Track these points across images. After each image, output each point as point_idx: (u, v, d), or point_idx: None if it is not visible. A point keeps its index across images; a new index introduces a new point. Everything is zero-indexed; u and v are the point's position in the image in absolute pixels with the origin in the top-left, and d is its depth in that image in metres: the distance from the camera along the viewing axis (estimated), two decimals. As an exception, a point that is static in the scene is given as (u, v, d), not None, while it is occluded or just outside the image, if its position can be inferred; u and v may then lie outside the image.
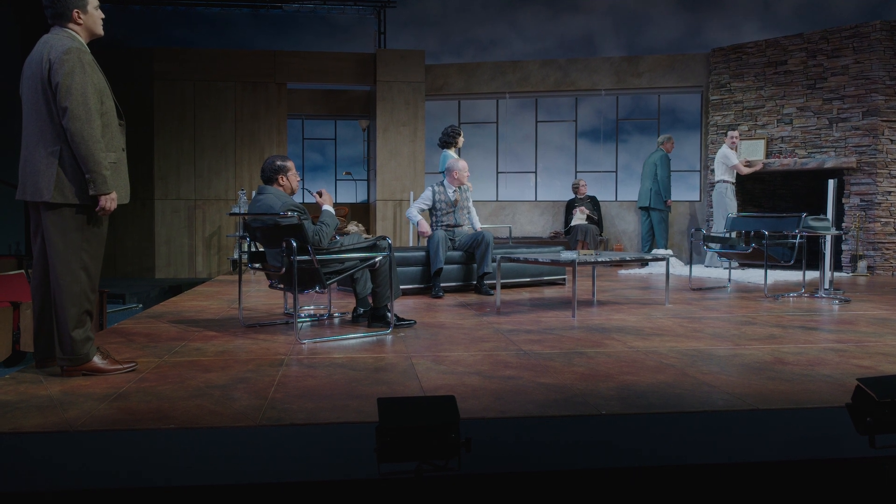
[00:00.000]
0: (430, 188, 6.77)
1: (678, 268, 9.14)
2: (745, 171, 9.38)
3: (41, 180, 3.06)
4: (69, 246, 3.11)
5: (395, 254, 4.89)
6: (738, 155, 9.48)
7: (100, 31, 3.24)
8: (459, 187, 6.77)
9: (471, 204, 7.01)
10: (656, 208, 10.05)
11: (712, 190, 9.52)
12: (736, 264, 8.78)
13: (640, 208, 10.32)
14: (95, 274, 3.20)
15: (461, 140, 7.63)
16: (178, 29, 12.18)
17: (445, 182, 6.75)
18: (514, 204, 11.50)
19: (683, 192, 11.21)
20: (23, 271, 6.45)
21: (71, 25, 3.15)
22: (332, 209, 4.52)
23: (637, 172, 10.84)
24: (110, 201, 3.14)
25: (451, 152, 7.51)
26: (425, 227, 6.66)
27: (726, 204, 9.17)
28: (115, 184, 3.17)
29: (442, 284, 6.42)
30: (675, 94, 11.23)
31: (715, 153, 10.39)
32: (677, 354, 3.73)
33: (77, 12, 3.14)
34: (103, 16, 3.25)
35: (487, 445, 2.30)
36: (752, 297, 6.44)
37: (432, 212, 6.80)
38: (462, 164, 6.75)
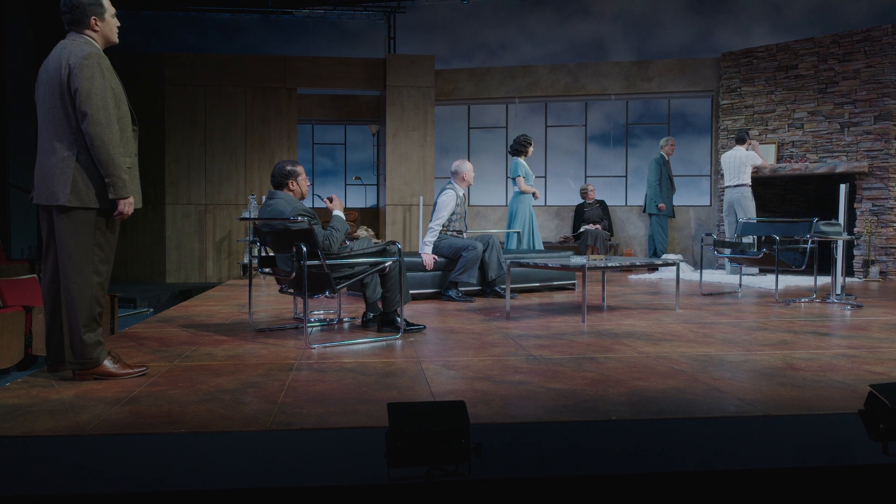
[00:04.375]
0: (450, 193, 6.37)
1: (688, 273, 9.10)
2: (768, 166, 9.30)
3: (56, 184, 3.07)
4: (82, 250, 3.12)
5: (405, 258, 4.89)
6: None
7: (115, 38, 3.29)
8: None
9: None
10: (651, 213, 10.01)
11: (723, 194, 9.32)
12: (756, 270, 8.66)
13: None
14: (106, 278, 3.22)
15: (531, 149, 7.83)
16: (189, 34, 12.26)
17: (455, 185, 6.47)
18: (524, 208, 11.47)
19: (694, 196, 11.17)
20: (35, 276, 6.50)
21: (88, 32, 3.19)
22: (342, 214, 4.53)
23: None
24: (128, 205, 3.15)
25: (522, 160, 7.54)
26: (430, 261, 6.35)
27: (750, 206, 8.80)
28: (132, 188, 3.20)
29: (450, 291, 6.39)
30: (686, 98, 11.20)
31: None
32: (688, 360, 3.72)
33: (94, 19, 3.18)
34: (119, 24, 3.29)
35: (497, 450, 2.30)
36: (764, 302, 6.40)
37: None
38: (469, 164, 6.55)
